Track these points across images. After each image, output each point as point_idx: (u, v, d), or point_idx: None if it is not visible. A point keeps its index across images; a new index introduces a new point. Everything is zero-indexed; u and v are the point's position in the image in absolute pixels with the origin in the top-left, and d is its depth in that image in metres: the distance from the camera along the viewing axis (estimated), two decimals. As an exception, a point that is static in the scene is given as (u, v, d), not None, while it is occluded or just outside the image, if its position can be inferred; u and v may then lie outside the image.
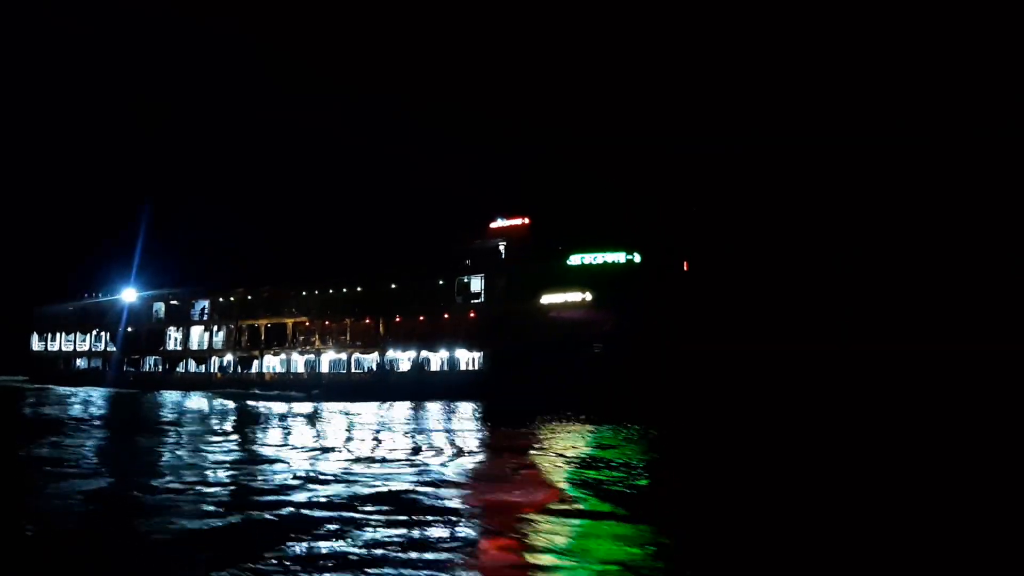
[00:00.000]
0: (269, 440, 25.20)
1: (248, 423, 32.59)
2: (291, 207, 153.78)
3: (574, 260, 51.90)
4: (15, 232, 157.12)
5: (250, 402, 49.65)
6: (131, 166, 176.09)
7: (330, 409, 40.92)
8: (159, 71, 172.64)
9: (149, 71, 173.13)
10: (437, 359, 59.01)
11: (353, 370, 62.75)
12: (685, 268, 51.15)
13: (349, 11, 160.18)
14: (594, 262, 51.50)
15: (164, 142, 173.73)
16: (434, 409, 41.09)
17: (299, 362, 66.42)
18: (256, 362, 68.76)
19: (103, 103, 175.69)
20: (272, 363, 68.06)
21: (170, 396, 57.21)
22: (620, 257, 51.19)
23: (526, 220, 55.54)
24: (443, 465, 18.29)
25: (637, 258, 51.21)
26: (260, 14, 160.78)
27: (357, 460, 19.26)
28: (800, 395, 38.87)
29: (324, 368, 64.85)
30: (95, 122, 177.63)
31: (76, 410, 41.10)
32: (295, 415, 37.06)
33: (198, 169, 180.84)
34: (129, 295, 79.69)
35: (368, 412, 38.67)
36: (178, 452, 21.84)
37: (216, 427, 30.84)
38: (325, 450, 21.47)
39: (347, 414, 37.36)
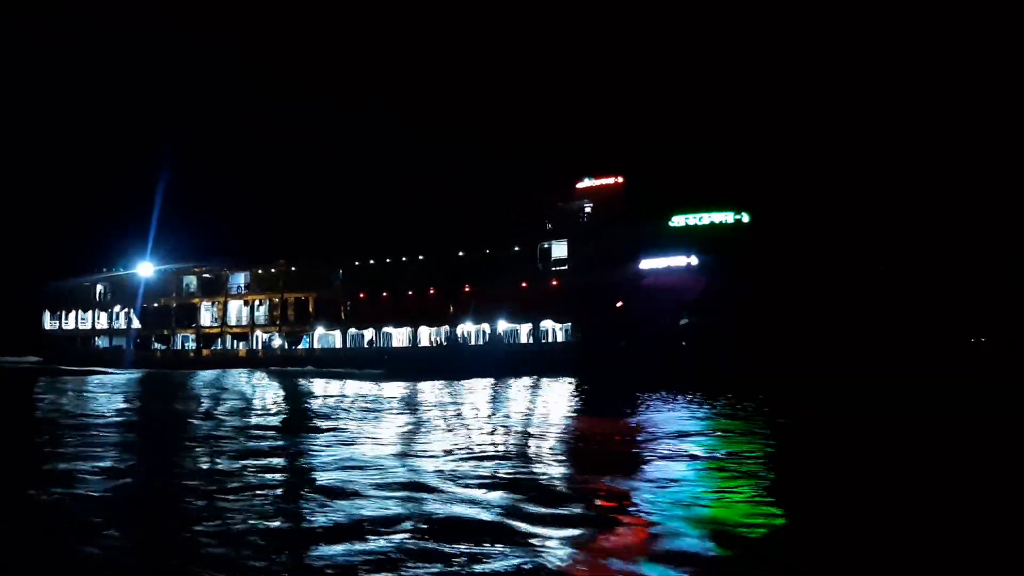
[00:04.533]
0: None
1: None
2: (335, 183, 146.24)
3: (677, 221, 47.63)
4: (20, 206, 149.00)
5: (351, 382, 44.57)
6: (140, 146, 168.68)
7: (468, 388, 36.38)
8: (158, 76, 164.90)
9: (143, 78, 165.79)
10: (512, 331, 54.78)
11: (417, 344, 58.30)
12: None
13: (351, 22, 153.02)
14: (699, 223, 47.28)
15: (167, 136, 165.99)
16: (558, 389, 36.81)
17: (352, 338, 61.71)
18: (305, 338, 63.95)
19: (105, 95, 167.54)
20: (323, 339, 63.27)
21: (253, 380, 51.16)
22: (728, 217, 47.05)
23: (619, 179, 51.00)
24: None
25: (746, 218, 47.09)
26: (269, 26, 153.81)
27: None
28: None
29: (381, 343, 60.31)
30: (97, 110, 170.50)
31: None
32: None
33: (217, 154, 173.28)
34: (146, 269, 73.94)
35: (513, 394, 34.20)
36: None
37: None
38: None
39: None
